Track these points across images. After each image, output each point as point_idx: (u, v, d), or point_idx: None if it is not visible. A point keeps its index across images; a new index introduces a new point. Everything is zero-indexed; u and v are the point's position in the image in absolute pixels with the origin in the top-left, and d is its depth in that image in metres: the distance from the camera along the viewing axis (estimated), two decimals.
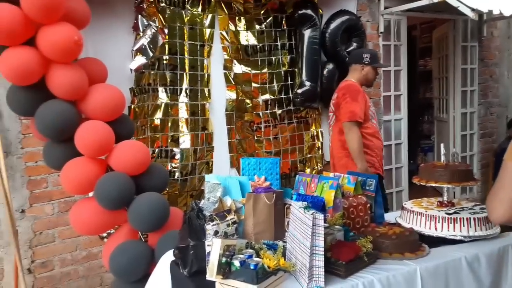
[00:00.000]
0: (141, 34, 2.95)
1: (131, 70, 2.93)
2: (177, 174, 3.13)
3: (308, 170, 3.67)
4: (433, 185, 2.05)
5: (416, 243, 1.81)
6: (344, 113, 2.89)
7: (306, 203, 1.59)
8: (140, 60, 2.95)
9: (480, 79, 4.92)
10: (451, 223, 1.90)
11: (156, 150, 3.09)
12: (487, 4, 3.50)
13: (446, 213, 1.94)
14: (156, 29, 2.97)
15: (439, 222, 1.92)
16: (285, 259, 1.55)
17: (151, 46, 2.96)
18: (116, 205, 2.21)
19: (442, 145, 2.24)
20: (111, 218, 2.27)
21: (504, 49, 5.14)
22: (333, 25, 3.59)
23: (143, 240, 2.39)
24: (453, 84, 4.78)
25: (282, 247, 1.59)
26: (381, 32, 4.09)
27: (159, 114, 3.09)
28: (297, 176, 2.15)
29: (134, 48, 2.94)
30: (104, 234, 2.67)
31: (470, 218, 1.89)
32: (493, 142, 5.10)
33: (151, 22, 2.96)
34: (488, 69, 5.03)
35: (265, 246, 1.61)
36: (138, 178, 2.30)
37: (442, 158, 2.19)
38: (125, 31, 2.94)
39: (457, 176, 2.02)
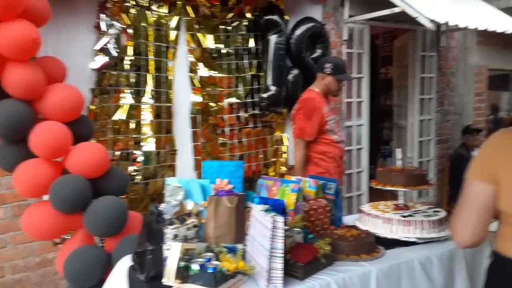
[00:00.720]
0: (104, 33, 2.89)
1: (92, 70, 2.86)
2: (139, 177, 3.07)
3: (272, 174, 3.70)
4: (390, 188, 2.13)
5: (372, 245, 1.87)
6: (295, 128, 2.97)
7: (266, 206, 1.61)
8: (102, 60, 2.88)
9: (437, 88, 5.15)
10: (405, 225, 1.98)
11: (118, 152, 3.02)
12: (444, 16, 3.68)
13: (401, 216, 2.02)
14: (119, 29, 2.92)
15: (394, 225, 1.99)
16: (245, 262, 1.55)
17: (114, 46, 2.90)
18: (72, 209, 2.14)
19: (398, 150, 2.33)
20: (66, 222, 2.19)
21: (460, 59, 5.41)
22: (298, 32, 3.66)
23: (101, 246, 2.33)
24: (412, 92, 4.96)
25: (242, 250, 1.60)
26: (345, 40, 4.20)
27: (121, 116, 3.03)
28: (259, 179, 2.17)
29: (96, 48, 2.87)
30: (59, 240, 2.58)
31: (423, 220, 1.98)
32: (448, 148, 5.34)
33: (114, 22, 2.90)
34: (445, 78, 5.26)
35: (225, 249, 1.62)
36: (95, 181, 2.24)
37: (398, 163, 2.28)
38: (87, 30, 2.87)
39: (412, 180, 2.11)
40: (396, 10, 3.74)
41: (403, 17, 3.97)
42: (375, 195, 3.03)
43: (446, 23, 3.67)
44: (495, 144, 1.31)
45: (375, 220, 2.05)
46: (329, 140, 2.95)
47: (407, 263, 1.80)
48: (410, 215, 2.04)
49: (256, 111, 3.61)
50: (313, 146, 2.95)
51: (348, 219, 2.27)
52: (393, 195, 2.42)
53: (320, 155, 2.94)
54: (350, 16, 4.19)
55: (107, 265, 2.11)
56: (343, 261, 1.75)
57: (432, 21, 3.56)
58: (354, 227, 2.05)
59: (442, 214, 2.08)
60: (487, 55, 5.65)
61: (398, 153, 2.30)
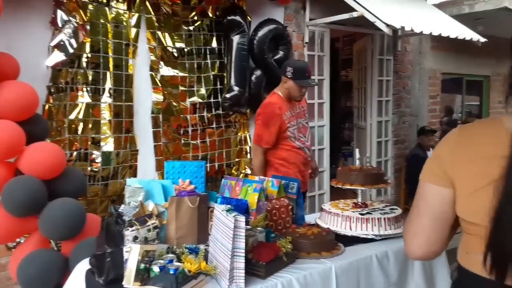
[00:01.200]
0: (60, 29, 2.78)
1: (47, 67, 2.75)
2: (97, 178, 2.98)
3: (235, 174, 3.71)
4: (349, 187, 2.18)
5: (332, 243, 1.91)
6: (254, 134, 2.88)
7: (229, 206, 1.61)
8: (58, 56, 2.78)
9: (394, 90, 5.35)
10: (364, 223, 2.03)
11: (75, 153, 2.91)
12: (400, 21, 3.83)
13: (360, 214, 2.07)
14: (76, 25, 2.82)
15: (353, 222, 2.05)
16: (207, 263, 1.55)
17: (71, 43, 2.80)
18: (25, 212, 2.04)
19: (357, 150, 2.40)
20: (20, 226, 2.09)
21: (416, 63, 5.65)
22: (261, 33, 3.69)
23: (57, 250, 2.24)
24: (371, 94, 5.13)
25: (204, 251, 1.59)
26: (306, 43, 4.27)
27: (78, 115, 2.93)
28: (223, 179, 2.17)
29: (52, 44, 2.76)
30: (13, 244, 2.45)
31: (380, 218, 2.04)
32: (405, 148, 5.56)
33: (71, 18, 2.81)
34: (401, 81, 5.48)
35: (187, 250, 1.60)
36: (51, 182, 2.15)
37: (357, 162, 2.35)
38: (42, 25, 2.75)
39: (370, 179, 2.17)
40: (355, 14, 3.86)
41: (362, 21, 4.10)
42: (337, 194, 3.10)
43: (402, 28, 3.82)
44: (451, 142, 1.08)
45: (335, 218, 2.10)
46: (290, 147, 2.84)
47: (365, 259, 1.86)
48: (368, 213, 2.11)
49: (219, 111, 3.60)
50: (274, 151, 2.84)
51: (310, 218, 2.31)
52: (354, 194, 2.49)
53: (281, 160, 2.84)
54: (311, 19, 4.27)
55: (64, 270, 2.03)
56: (304, 259, 1.78)
57: (389, 25, 3.69)
58: (315, 225, 2.09)
59: (398, 211, 2.16)
60: (441, 59, 5.94)
61: (357, 153, 2.36)
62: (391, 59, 5.27)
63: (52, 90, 2.81)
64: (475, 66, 6.56)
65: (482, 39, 4.54)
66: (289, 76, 2.77)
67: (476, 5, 4.97)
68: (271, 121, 2.75)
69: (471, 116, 7.30)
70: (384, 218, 2.05)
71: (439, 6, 5.19)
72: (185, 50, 3.42)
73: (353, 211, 2.12)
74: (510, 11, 4.82)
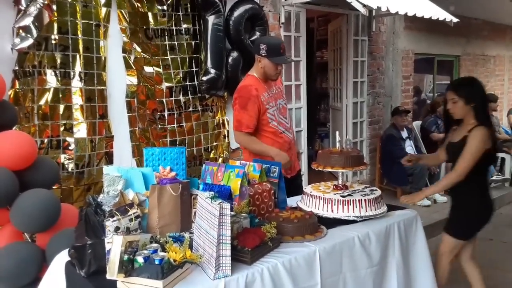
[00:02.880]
0: (25, 9, 2.61)
1: (12, 49, 2.59)
2: (71, 166, 2.88)
3: (214, 158, 3.67)
4: (330, 170, 2.20)
5: (315, 225, 1.93)
6: (233, 120, 2.70)
7: (213, 193, 1.58)
8: (24, 39, 2.61)
9: (368, 71, 5.39)
10: (345, 205, 2.06)
11: (46, 140, 2.79)
12: (376, 1, 3.82)
13: (341, 196, 2.10)
14: (42, 4, 2.65)
15: (335, 205, 2.07)
16: (192, 251, 1.52)
17: (36, 24, 2.63)
18: None
19: (337, 132, 2.41)
20: None
21: (389, 44, 5.69)
22: (236, 13, 3.60)
23: (32, 242, 2.16)
24: (346, 75, 5.16)
25: (189, 239, 1.56)
26: (282, 23, 4.21)
27: (48, 100, 2.80)
28: (204, 165, 2.13)
29: (16, 26, 2.59)
30: None
31: (361, 199, 2.07)
32: (379, 129, 5.65)
33: None
34: (375, 62, 5.52)
35: (171, 239, 1.57)
36: (22, 173, 2.06)
37: (337, 144, 2.36)
38: (5, 5, 2.58)
39: (350, 161, 2.19)
40: None
41: (337, 1, 4.08)
42: (314, 175, 3.11)
43: (378, 9, 3.82)
44: None
45: (317, 200, 2.12)
46: (272, 134, 2.69)
47: (347, 241, 1.89)
48: (349, 195, 2.13)
49: (196, 95, 3.52)
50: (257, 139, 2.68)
51: (291, 201, 2.31)
52: (331, 174, 2.50)
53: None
54: None
55: (41, 262, 1.97)
56: (288, 243, 1.79)
57: (365, 6, 3.68)
58: (298, 208, 2.10)
59: (378, 192, 2.19)
60: (414, 39, 6.01)
61: (337, 136, 2.37)
62: (366, 40, 5.29)
63: (19, 75, 2.66)
64: (446, 46, 6.68)
65: (455, 19, 4.61)
66: (263, 54, 2.61)
67: None
68: (248, 103, 2.59)
69: (441, 96, 7.48)
70: (365, 200, 2.08)
71: None
72: (159, 30, 3.30)
73: (334, 194, 2.14)
74: None
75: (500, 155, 5.73)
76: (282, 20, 4.21)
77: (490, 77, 7.89)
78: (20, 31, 2.60)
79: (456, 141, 2.43)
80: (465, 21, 6.39)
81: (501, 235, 4.08)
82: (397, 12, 4.04)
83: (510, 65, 8.49)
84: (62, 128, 2.86)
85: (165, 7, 3.31)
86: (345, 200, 2.07)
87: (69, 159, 2.87)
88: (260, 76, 2.69)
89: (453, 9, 5.35)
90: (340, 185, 2.26)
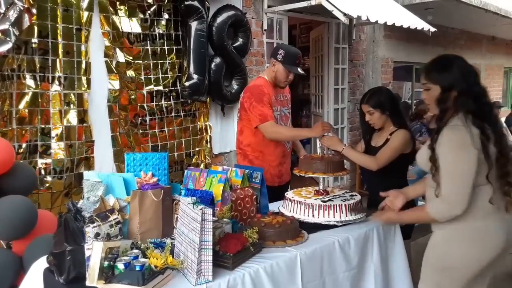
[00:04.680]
0: (4, 12, 2.57)
1: None
2: (50, 171, 2.83)
3: (196, 164, 3.66)
4: (311, 175, 2.23)
5: (297, 230, 1.95)
6: (254, 117, 2.61)
7: (195, 198, 1.58)
8: (3, 42, 2.56)
9: (349, 78, 5.49)
10: (326, 210, 2.09)
11: (24, 145, 2.74)
12: (356, 10, 3.91)
13: (322, 201, 2.12)
14: (22, 8, 2.61)
15: (316, 210, 2.09)
16: (173, 257, 1.52)
17: (15, 27, 2.59)
18: None
19: (318, 139, 2.43)
20: None
21: (369, 52, 5.81)
22: (219, 19, 3.62)
23: (8, 249, 2.12)
24: (327, 82, 5.23)
25: (170, 245, 1.56)
26: (265, 30, 4.26)
27: (26, 104, 2.75)
28: (186, 170, 2.13)
29: None
30: None
31: (342, 204, 2.10)
32: (360, 135, 5.70)
33: (16, 0, 2.59)
34: (356, 69, 5.63)
35: (152, 245, 1.56)
36: None
37: (318, 150, 2.39)
38: None
39: (331, 167, 2.23)
40: (313, 2, 3.89)
41: (319, 9, 4.14)
42: (296, 180, 3.13)
43: (359, 17, 3.90)
44: None
45: (299, 206, 2.14)
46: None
47: (328, 245, 1.91)
48: (329, 200, 2.16)
49: (178, 100, 3.52)
50: (251, 142, 2.69)
51: (272, 206, 2.33)
52: (312, 180, 2.53)
53: (257, 153, 2.69)
54: (269, 6, 4.25)
55: (19, 269, 1.93)
56: (270, 248, 1.80)
57: (346, 14, 3.76)
58: (279, 213, 2.12)
59: (357, 197, 2.23)
60: (393, 48, 6.15)
61: (318, 142, 2.40)
62: (347, 48, 5.38)
63: None
64: (423, 55, 6.84)
65: (432, 29, 4.75)
66: (279, 59, 2.64)
67: None
68: (263, 98, 2.60)
69: (422, 103, 7.65)
70: (345, 205, 2.11)
71: None
72: (141, 35, 3.29)
73: (315, 199, 2.17)
74: (457, 2, 5.07)
75: None
76: (265, 27, 4.25)
77: None
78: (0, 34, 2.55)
79: (380, 145, 2.42)
80: (442, 31, 6.59)
81: None
82: (376, 21, 4.14)
83: (486, 74, 8.76)
84: (40, 133, 2.81)
85: (147, 12, 3.30)
86: (325, 205, 2.10)
87: (47, 164, 2.82)
88: (271, 80, 2.72)
89: (431, 18, 5.51)
90: (321, 191, 2.29)
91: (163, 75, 3.42)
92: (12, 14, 2.57)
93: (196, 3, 3.42)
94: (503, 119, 7.41)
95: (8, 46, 2.56)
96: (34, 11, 2.70)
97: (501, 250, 1.65)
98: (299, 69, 2.69)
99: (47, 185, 2.82)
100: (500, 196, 1.64)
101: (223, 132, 3.95)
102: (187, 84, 3.41)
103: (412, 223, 1.82)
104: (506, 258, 1.75)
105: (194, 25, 3.42)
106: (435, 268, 1.73)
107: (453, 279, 1.68)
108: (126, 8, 3.19)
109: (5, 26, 2.56)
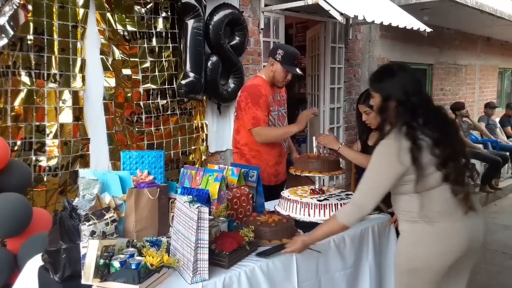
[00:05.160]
0: None
1: None
2: (44, 169, 2.82)
3: (192, 162, 3.65)
4: (307, 174, 2.23)
5: (293, 229, 1.95)
6: (248, 120, 2.62)
7: (191, 197, 1.58)
8: None
9: (345, 78, 5.50)
10: (321, 209, 2.10)
11: (19, 142, 2.73)
12: (353, 10, 3.91)
13: (318, 200, 2.14)
14: (17, 4, 2.60)
15: (311, 209, 2.11)
16: (169, 255, 1.52)
17: (11, 24, 2.57)
18: None
19: (314, 138, 2.44)
20: None
21: (365, 51, 5.82)
22: (216, 18, 3.61)
23: (3, 246, 2.11)
24: (323, 81, 5.24)
25: (166, 243, 1.56)
26: (262, 29, 4.25)
27: (22, 101, 2.74)
28: (182, 169, 2.13)
29: None
30: None
31: (337, 203, 2.12)
32: (355, 134, 5.75)
33: None
34: (352, 69, 5.64)
35: (148, 243, 1.57)
36: None
37: (315, 150, 2.40)
38: None
39: (327, 166, 2.24)
40: (310, 2, 3.89)
41: (316, 9, 4.14)
42: (291, 179, 3.14)
43: (355, 17, 3.91)
44: None
45: (294, 204, 2.15)
46: None
47: (323, 244, 1.91)
48: (325, 199, 2.17)
49: (174, 98, 3.51)
50: (248, 142, 2.68)
51: (268, 205, 2.34)
52: (308, 179, 2.54)
53: (254, 152, 2.69)
54: (266, 5, 4.24)
55: (13, 267, 1.92)
56: (266, 247, 1.80)
57: (342, 14, 3.76)
58: (275, 212, 2.12)
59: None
60: (389, 48, 6.17)
61: (314, 141, 2.41)
62: (343, 47, 5.39)
63: None
64: (419, 55, 6.88)
65: (428, 29, 4.77)
66: (278, 59, 2.64)
67: None
68: (259, 100, 2.61)
69: None
70: (341, 204, 2.13)
71: None
72: (137, 33, 3.27)
73: (311, 198, 2.18)
74: (453, 2, 5.09)
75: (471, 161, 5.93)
76: (262, 25, 4.25)
77: (461, 85, 8.16)
78: None
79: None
80: (438, 31, 6.61)
81: None
82: (373, 21, 4.15)
83: (480, 74, 8.81)
84: (35, 130, 2.80)
85: (143, 10, 3.29)
86: (321, 204, 2.11)
87: (41, 161, 2.81)
88: (268, 79, 2.72)
89: (427, 19, 5.53)
90: (317, 190, 2.30)
91: (160, 73, 3.41)
92: (8, 11, 2.55)
93: (193, 1, 3.40)
94: (497, 120, 7.47)
95: (3, 42, 2.55)
96: (29, 7, 2.68)
97: (465, 250, 1.68)
98: (297, 70, 2.69)
99: (42, 182, 2.80)
100: (460, 198, 1.67)
101: (219, 131, 3.94)
102: (183, 82, 3.40)
103: (326, 237, 1.81)
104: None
105: (190, 23, 3.41)
106: (402, 271, 1.78)
107: (421, 281, 1.72)
108: (123, 5, 3.18)
109: (1, 22, 2.54)
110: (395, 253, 1.86)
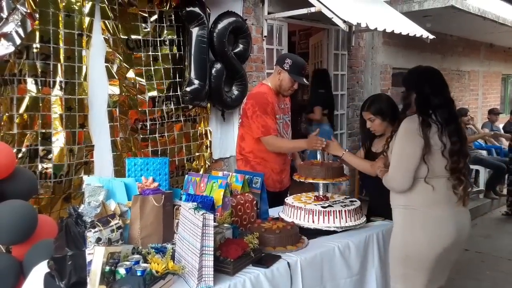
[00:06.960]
0: (6, 17, 2.58)
1: None
2: (49, 175, 2.83)
3: (196, 169, 3.66)
4: (311, 181, 2.23)
5: (297, 236, 1.95)
6: (257, 128, 2.60)
7: (196, 203, 1.59)
8: (5, 46, 2.58)
9: (348, 85, 5.51)
10: (326, 215, 2.09)
11: (24, 149, 2.74)
12: (356, 17, 3.94)
13: (322, 207, 2.13)
14: (24, 13, 2.63)
15: (316, 215, 2.10)
16: (174, 262, 1.53)
17: (19, 32, 2.61)
18: None
19: None
20: None
21: (368, 58, 5.84)
22: (220, 25, 3.64)
23: (8, 253, 2.11)
24: None
25: (171, 250, 1.57)
26: (265, 36, 4.28)
27: (27, 109, 2.76)
28: (187, 176, 2.14)
29: None
30: None
31: (341, 210, 2.12)
32: (358, 140, 5.75)
33: (18, 6, 2.61)
34: (355, 75, 5.65)
35: (153, 250, 1.57)
36: None
37: (318, 156, 2.41)
38: None
39: (331, 173, 2.24)
40: (313, 10, 3.92)
41: (318, 16, 4.17)
42: (295, 186, 3.14)
43: (358, 24, 3.93)
44: None
45: (299, 211, 2.15)
46: None
47: (328, 251, 1.92)
48: (329, 206, 2.17)
49: (179, 105, 3.53)
50: (253, 149, 2.68)
51: (272, 211, 2.34)
52: (311, 185, 2.54)
53: (259, 159, 2.68)
54: (269, 13, 4.28)
55: (19, 274, 1.92)
56: (270, 253, 1.80)
57: (345, 22, 3.79)
58: (279, 219, 2.12)
59: (357, 203, 2.24)
60: (391, 54, 6.19)
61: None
62: (346, 54, 5.41)
63: None
64: (422, 61, 6.87)
65: (431, 36, 4.78)
66: (285, 68, 2.65)
67: (425, 3, 5.21)
68: (267, 108, 2.61)
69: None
70: (345, 211, 2.12)
71: (390, 3, 5.39)
72: (142, 41, 3.31)
73: (315, 204, 2.18)
74: (456, 9, 5.10)
75: (475, 167, 5.91)
76: (265, 33, 4.28)
77: (464, 91, 8.16)
78: (2, 38, 2.57)
79: (381, 151, 2.43)
80: (440, 38, 6.62)
81: (475, 246, 4.20)
82: (376, 28, 4.17)
83: (483, 81, 8.81)
84: (40, 137, 2.82)
85: (148, 18, 3.32)
86: (325, 211, 2.11)
87: (47, 168, 2.82)
88: (275, 87, 2.73)
89: (430, 26, 5.55)
90: (321, 196, 2.30)
91: (164, 81, 3.43)
92: (15, 19, 2.59)
93: (197, 10, 3.44)
94: (501, 126, 7.45)
95: (10, 50, 2.58)
96: (36, 16, 2.72)
97: (453, 240, 1.87)
98: (304, 80, 2.74)
99: (47, 189, 2.82)
100: (454, 189, 1.89)
101: (223, 138, 3.96)
102: (188, 89, 3.43)
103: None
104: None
105: (195, 31, 3.44)
106: (397, 259, 1.95)
107: (415, 270, 1.90)
108: (128, 14, 3.21)
109: (7, 30, 2.58)
110: (390, 248, 2.01)
